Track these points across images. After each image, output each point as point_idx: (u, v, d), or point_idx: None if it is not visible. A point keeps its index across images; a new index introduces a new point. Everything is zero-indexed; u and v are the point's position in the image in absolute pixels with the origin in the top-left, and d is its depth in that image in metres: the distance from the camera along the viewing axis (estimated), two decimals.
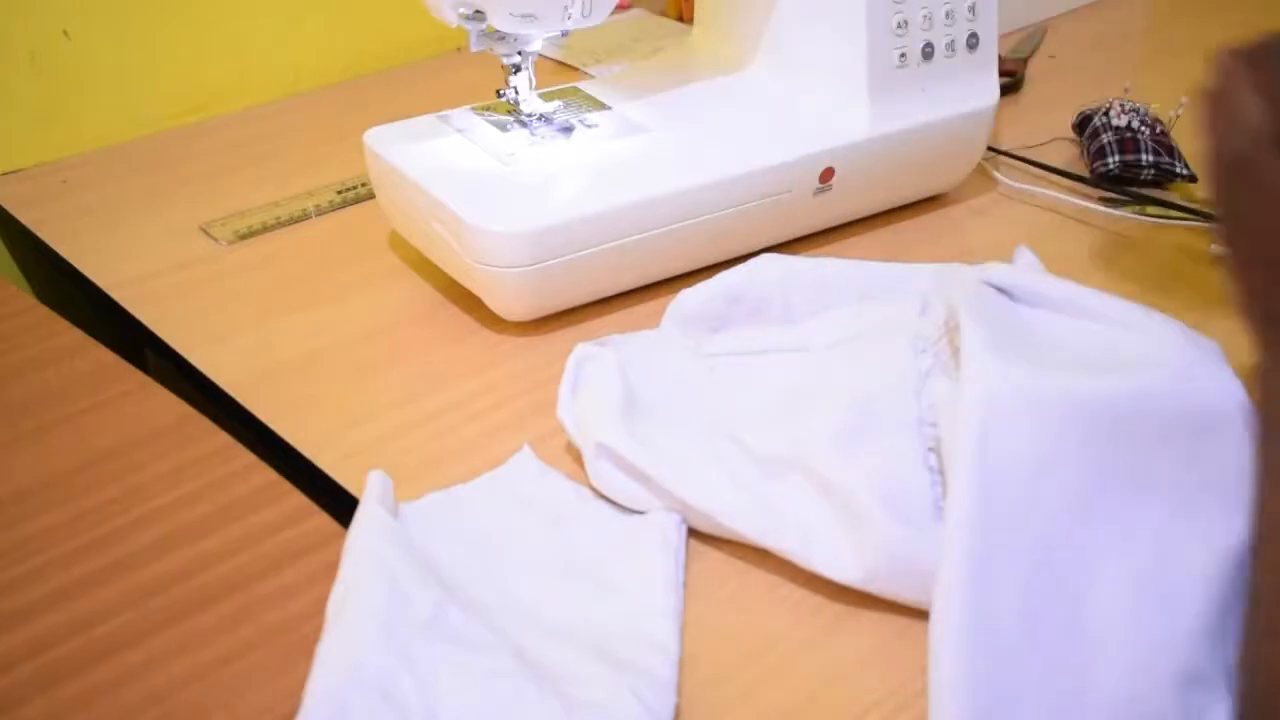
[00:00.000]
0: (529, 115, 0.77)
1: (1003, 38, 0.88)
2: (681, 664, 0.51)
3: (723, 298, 0.67)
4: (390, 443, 0.64)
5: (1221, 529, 0.47)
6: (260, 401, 0.67)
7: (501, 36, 0.73)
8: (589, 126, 0.78)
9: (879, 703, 0.49)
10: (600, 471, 0.58)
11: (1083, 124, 0.92)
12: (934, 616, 0.46)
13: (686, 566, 0.56)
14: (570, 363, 0.64)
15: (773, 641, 0.52)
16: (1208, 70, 0.42)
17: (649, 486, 0.57)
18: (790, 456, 0.56)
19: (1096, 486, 0.48)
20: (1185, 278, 0.77)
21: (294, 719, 0.47)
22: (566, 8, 0.71)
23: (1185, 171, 0.86)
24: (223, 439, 0.63)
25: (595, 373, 0.63)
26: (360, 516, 0.54)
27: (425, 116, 0.79)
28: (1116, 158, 0.86)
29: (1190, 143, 0.89)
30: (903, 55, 0.78)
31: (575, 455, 0.61)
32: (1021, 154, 0.91)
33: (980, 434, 0.48)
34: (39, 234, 0.85)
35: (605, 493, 0.58)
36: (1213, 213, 0.46)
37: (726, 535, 0.56)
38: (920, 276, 0.69)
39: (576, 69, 1.08)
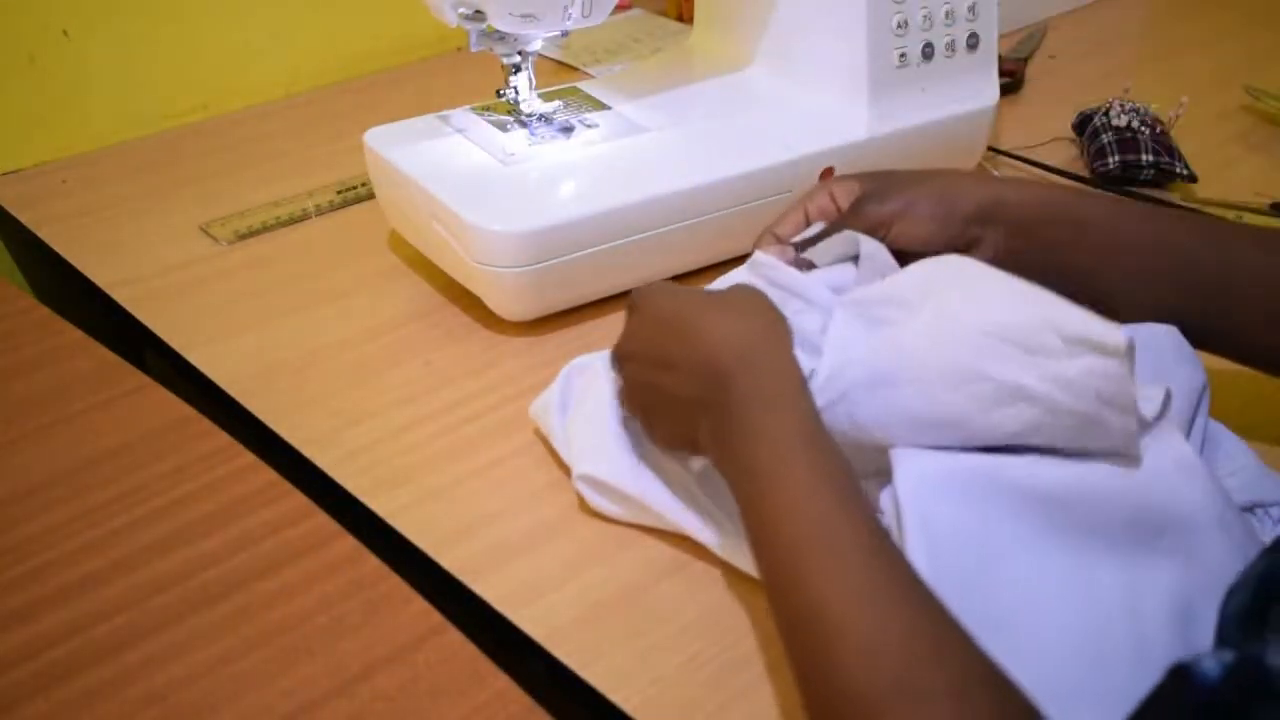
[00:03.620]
0: (529, 115, 0.77)
1: (1003, 38, 0.88)
2: (682, 663, 0.51)
3: None
4: (390, 443, 0.64)
5: (1182, 576, 0.47)
6: (260, 401, 0.67)
7: (501, 36, 0.73)
8: (589, 126, 0.78)
9: None
10: (589, 493, 0.58)
11: (1083, 124, 0.92)
12: None
13: (685, 567, 0.56)
14: (560, 378, 0.63)
15: (773, 641, 0.52)
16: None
17: (642, 514, 0.57)
18: None
19: (1045, 543, 0.48)
20: None
21: (294, 719, 0.47)
22: (566, 8, 0.71)
23: (1185, 171, 0.86)
24: (223, 439, 0.63)
25: (587, 389, 0.61)
26: None
27: (425, 116, 0.79)
28: (1116, 158, 0.86)
29: (1190, 143, 0.89)
30: (903, 55, 0.78)
31: None
32: (1021, 154, 0.91)
33: (916, 505, 0.48)
34: (39, 234, 0.85)
35: (598, 511, 0.58)
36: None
37: None
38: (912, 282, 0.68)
39: (576, 69, 1.08)
